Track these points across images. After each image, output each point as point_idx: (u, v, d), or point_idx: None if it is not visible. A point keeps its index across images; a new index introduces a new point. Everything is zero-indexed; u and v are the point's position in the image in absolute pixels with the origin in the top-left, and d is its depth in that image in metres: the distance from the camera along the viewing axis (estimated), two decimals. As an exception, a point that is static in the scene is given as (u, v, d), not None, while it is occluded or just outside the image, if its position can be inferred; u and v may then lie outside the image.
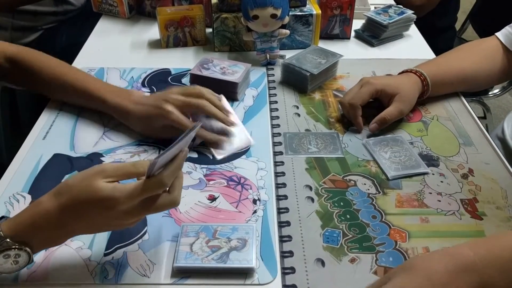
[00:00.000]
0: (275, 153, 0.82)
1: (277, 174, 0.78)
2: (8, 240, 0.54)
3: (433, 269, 0.55)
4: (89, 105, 0.89)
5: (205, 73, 0.96)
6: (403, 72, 0.92)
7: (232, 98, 0.95)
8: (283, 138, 0.85)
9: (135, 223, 0.60)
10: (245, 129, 0.87)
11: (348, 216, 0.70)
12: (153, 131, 0.83)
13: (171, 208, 0.60)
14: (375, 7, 1.24)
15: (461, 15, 2.02)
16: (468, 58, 0.95)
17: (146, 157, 0.81)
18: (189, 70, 0.99)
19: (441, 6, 1.50)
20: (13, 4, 1.36)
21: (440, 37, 1.63)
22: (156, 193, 0.56)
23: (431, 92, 0.91)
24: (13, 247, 0.54)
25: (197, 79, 0.96)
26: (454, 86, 0.95)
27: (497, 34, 0.96)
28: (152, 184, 0.55)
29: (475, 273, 0.54)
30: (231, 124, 0.84)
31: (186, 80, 1.02)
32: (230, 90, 0.94)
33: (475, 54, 0.96)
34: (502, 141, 1.03)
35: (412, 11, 1.17)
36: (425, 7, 1.45)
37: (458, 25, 1.98)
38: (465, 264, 0.55)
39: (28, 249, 0.55)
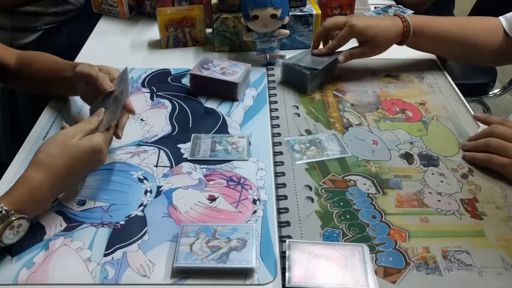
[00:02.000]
0: (275, 153, 0.82)
1: (277, 174, 0.78)
2: (13, 212, 0.60)
3: None
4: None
5: (205, 73, 0.96)
6: (395, 15, 0.99)
7: (232, 98, 0.95)
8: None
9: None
10: None
11: (348, 216, 0.70)
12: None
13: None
14: (375, 7, 1.24)
15: (461, 15, 2.02)
16: (468, 25, 0.97)
17: (146, 157, 0.81)
18: (189, 70, 0.99)
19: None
20: (11, 5, 1.37)
21: None
22: None
23: (415, 44, 0.98)
24: (17, 217, 0.61)
25: (197, 79, 0.96)
26: (443, 45, 0.98)
27: (501, 17, 0.97)
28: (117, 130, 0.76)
29: None
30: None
31: (186, 80, 1.02)
32: (230, 90, 0.94)
33: (477, 24, 0.98)
34: None
35: (412, 11, 1.17)
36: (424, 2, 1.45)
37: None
38: None
39: (27, 217, 0.62)
